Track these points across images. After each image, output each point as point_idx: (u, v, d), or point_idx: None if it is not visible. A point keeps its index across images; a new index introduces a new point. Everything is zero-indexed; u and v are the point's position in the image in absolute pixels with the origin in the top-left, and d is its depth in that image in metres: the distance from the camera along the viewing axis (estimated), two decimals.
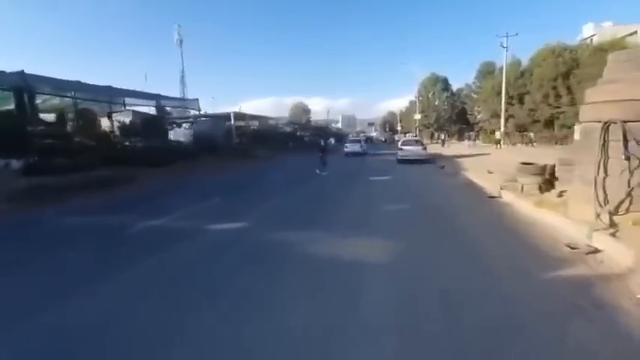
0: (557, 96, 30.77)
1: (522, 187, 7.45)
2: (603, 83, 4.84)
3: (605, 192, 4.62)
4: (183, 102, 20.08)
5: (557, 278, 3.58)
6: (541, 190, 7.33)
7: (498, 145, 30.01)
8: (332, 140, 38.22)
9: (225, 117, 27.13)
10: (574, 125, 28.72)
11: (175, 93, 49.44)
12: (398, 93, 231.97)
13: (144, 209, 7.57)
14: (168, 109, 34.48)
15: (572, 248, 4.36)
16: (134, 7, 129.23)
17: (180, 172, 13.54)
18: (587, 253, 4.19)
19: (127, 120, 19.15)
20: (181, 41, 69.13)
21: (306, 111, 64.91)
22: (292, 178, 13.07)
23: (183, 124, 26.23)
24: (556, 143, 30.74)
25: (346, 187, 10.35)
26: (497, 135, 32.03)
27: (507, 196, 7.53)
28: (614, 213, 4.61)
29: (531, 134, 31.26)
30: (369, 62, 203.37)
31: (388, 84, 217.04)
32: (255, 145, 25.97)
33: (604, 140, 4.60)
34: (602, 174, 4.63)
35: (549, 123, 32.67)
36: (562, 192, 5.71)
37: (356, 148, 24.43)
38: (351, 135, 52.21)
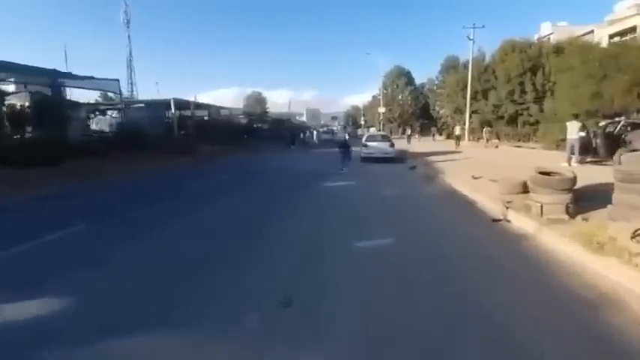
0: (523, 92, 30.01)
1: (542, 209, 5.06)
2: None
3: None
4: (95, 82, 15.87)
5: None
6: (569, 213, 5.00)
7: (457, 142, 27.74)
8: (314, 132, 41.27)
9: (165, 104, 23.01)
10: (538, 122, 28.23)
11: (123, 79, 44.55)
12: (362, 88, 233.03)
13: None
14: (111, 94, 29.35)
15: None
16: None
17: (73, 175, 9.93)
18: None
19: (20, 104, 14.72)
20: (128, 22, 61.93)
21: (259, 100, 58.85)
22: (226, 186, 10.00)
23: (109, 112, 21.89)
24: (519, 140, 30.05)
25: (284, 205, 7.54)
26: (457, 131, 29.81)
27: (521, 222, 5.09)
28: None
29: (488, 128, 30.00)
30: (335, 57, 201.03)
31: (353, 79, 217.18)
32: (202, 138, 22.23)
33: None
34: None
35: (513, 119, 32.03)
36: (638, 230, 3.36)
37: (330, 136, 36.48)
38: (313, 128, 51.75)
